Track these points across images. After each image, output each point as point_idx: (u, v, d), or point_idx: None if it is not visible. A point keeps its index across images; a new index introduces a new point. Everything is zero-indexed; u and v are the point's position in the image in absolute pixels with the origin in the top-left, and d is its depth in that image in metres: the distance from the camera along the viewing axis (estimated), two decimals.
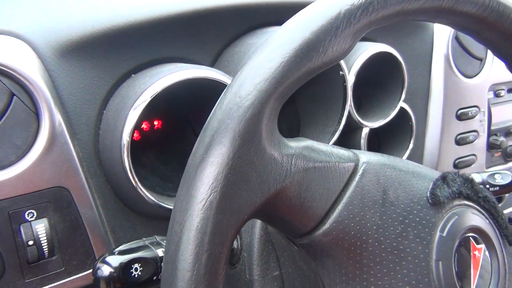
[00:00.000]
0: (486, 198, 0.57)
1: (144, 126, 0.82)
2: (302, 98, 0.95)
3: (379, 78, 0.98)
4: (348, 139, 0.95)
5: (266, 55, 0.41)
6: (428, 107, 1.04)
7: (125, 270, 0.50)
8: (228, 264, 0.73)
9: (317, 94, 0.92)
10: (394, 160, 0.53)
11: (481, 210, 0.57)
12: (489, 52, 1.11)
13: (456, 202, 0.54)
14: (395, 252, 0.49)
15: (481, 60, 1.09)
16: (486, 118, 1.11)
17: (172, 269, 0.36)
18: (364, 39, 0.95)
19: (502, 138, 1.17)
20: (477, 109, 1.08)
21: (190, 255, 0.36)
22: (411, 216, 0.51)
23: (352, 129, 0.94)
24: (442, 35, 1.02)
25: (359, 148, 0.95)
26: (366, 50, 0.88)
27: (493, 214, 0.58)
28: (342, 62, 0.84)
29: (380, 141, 1.08)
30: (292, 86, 0.43)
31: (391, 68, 0.95)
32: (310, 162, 0.45)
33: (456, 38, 1.04)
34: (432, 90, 1.04)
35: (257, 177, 0.40)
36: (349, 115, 0.89)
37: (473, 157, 1.12)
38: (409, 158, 1.02)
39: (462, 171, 0.87)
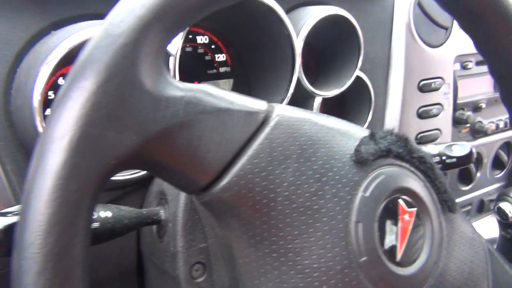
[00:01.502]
0: (422, 159, 0.52)
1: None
2: (252, 63, 0.90)
3: (336, 45, 0.93)
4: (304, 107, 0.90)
5: None
6: (388, 78, 0.99)
7: (9, 233, 0.45)
8: (156, 237, 0.68)
9: (266, 59, 0.87)
10: (318, 116, 0.48)
11: (416, 172, 0.52)
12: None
13: (385, 161, 0.49)
14: (309, 212, 0.44)
15: (447, 29, 1.03)
16: (451, 91, 1.06)
17: (23, 219, 0.31)
18: (318, 2, 0.89)
19: (469, 113, 1.12)
20: (441, 81, 1.03)
21: (39, 203, 0.31)
22: (330, 174, 0.46)
23: (304, 98, 0.88)
24: (403, 1, 0.97)
25: None
26: (315, 13, 0.82)
27: (430, 177, 0.53)
28: (288, 23, 0.79)
29: (340, 113, 1.03)
30: (182, 16, 0.37)
31: (347, 35, 0.89)
32: (205, 106, 0.40)
33: (419, 5, 0.99)
34: (392, 60, 0.99)
35: (130, 116, 0.35)
36: (299, 83, 0.84)
37: (437, 131, 1.07)
38: None
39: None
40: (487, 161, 1.34)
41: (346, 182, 0.46)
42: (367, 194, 0.47)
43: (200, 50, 0.99)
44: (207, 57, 0.98)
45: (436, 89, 1.02)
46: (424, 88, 1.01)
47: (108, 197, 0.71)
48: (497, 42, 0.56)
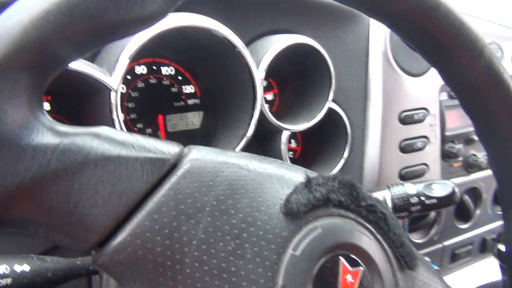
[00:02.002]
0: (372, 208, 0.45)
1: None
2: (218, 95, 0.84)
3: (307, 76, 0.87)
4: (267, 145, 0.84)
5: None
6: (366, 110, 0.92)
7: None
8: None
9: (230, 91, 0.81)
10: (246, 159, 0.41)
11: (364, 223, 0.45)
12: None
13: (324, 212, 0.42)
14: (224, 275, 0.37)
15: None
16: (437, 122, 0.99)
17: None
18: (285, 31, 0.84)
19: (459, 146, 1.05)
20: (426, 112, 0.96)
21: None
22: (252, 229, 0.39)
23: (271, 132, 0.82)
24: (379, 28, 0.91)
25: (279, 157, 0.83)
26: (279, 42, 0.77)
27: (382, 228, 0.46)
28: (247, 54, 0.73)
29: (317, 148, 0.96)
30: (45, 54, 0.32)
31: (317, 65, 0.84)
32: (88, 154, 0.34)
33: None
34: (370, 91, 0.92)
35: None
36: (263, 116, 0.78)
37: (424, 166, 0.99)
38: (345, 168, 0.90)
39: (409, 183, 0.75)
40: (487, 196, 1.25)
41: (272, 239, 0.39)
42: (298, 252, 0.40)
43: (166, 82, 0.94)
44: (174, 89, 0.94)
45: (420, 121, 0.95)
46: (406, 120, 0.94)
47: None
48: (463, 74, 0.50)
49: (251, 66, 0.73)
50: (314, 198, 0.41)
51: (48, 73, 0.33)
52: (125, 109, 0.86)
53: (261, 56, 0.76)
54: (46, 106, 0.80)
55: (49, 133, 0.33)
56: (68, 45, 0.33)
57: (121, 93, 0.90)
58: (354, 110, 0.91)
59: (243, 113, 0.78)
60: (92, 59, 0.70)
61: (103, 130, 0.36)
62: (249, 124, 0.75)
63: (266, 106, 0.77)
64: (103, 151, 0.35)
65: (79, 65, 0.63)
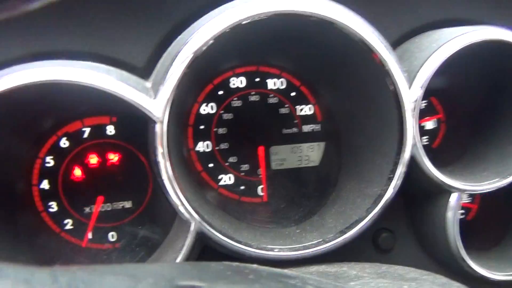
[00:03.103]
0: None
1: None
2: (346, 121, 0.55)
3: (497, 98, 0.52)
4: (423, 208, 0.51)
5: None
6: None
7: None
8: None
9: (362, 116, 0.51)
10: None
11: None
12: None
13: None
14: None
15: None
16: None
17: None
18: (459, 21, 0.50)
19: None
20: None
21: None
22: None
23: (431, 191, 0.49)
24: None
25: (442, 230, 0.49)
26: (450, 40, 0.43)
27: None
28: (394, 67, 0.42)
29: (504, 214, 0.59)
30: None
31: None
32: None
33: None
34: None
35: None
36: (417, 165, 0.45)
37: None
38: None
39: None
40: None
41: None
42: None
43: (273, 100, 0.67)
44: (284, 110, 0.66)
45: None
46: None
47: None
48: None
49: (397, 81, 0.41)
50: None
51: None
52: (213, 137, 0.62)
53: (417, 64, 0.43)
54: (111, 129, 0.61)
55: None
56: None
57: (209, 114, 0.66)
58: None
59: (382, 158, 0.47)
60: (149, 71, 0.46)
61: None
62: (390, 179, 0.43)
63: (421, 150, 0.44)
64: None
65: (108, 81, 0.40)
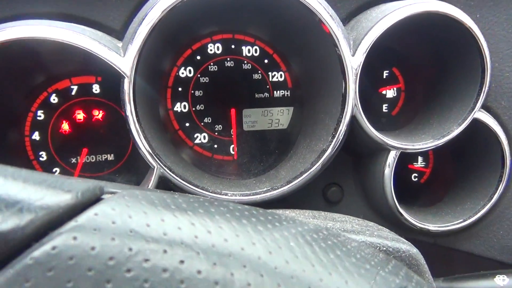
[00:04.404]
0: None
1: None
2: (308, 88, 0.60)
3: (444, 68, 0.56)
4: (366, 165, 0.56)
5: None
6: None
7: None
8: None
9: (319, 82, 0.56)
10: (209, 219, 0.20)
11: None
12: None
13: None
14: None
15: None
16: None
17: None
18: None
19: None
20: None
21: None
22: None
23: (371, 149, 0.55)
24: None
25: (380, 187, 0.55)
26: (395, 11, 0.48)
27: None
28: (340, 34, 0.47)
29: (455, 174, 0.65)
30: None
31: (463, 50, 0.52)
32: None
33: None
34: None
35: None
36: (358, 125, 0.51)
37: None
38: (500, 208, 0.58)
39: None
40: None
41: None
42: None
43: (247, 66, 0.72)
44: (257, 76, 0.72)
45: None
46: None
47: None
48: None
49: (342, 48, 0.46)
50: None
51: None
52: (190, 98, 0.67)
53: (363, 33, 0.48)
54: (96, 87, 0.66)
55: None
56: None
57: (187, 77, 0.72)
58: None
59: (329, 118, 0.52)
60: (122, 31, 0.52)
61: None
62: (333, 136, 0.49)
63: (360, 111, 0.49)
64: None
65: (85, 40, 0.45)
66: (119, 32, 0.54)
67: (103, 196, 0.25)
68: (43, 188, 0.24)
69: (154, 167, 0.50)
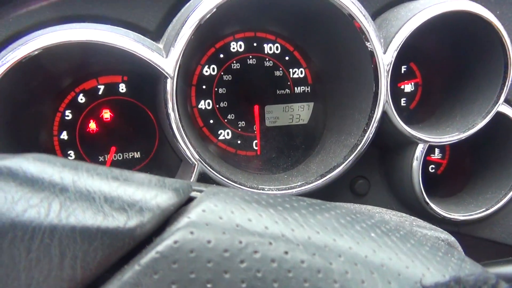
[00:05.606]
0: None
1: None
2: (332, 83, 0.62)
3: (467, 63, 0.59)
4: (394, 159, 0.58)
5: None
6: None
7: None
8: None
9: (346, 78, 0.58)
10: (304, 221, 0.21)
11: None
12: None
13: None
14: None
15: None
16: None
17: None
18: None
19: None
20: None
21: None
22: None
23: (399, 143, 0.57)
24: None
25: (409, 177, 0.57)
26: (422, 10, 0.50)
27: None
28: (372, 31, 0.49)
29: (472, 167, 0.68)
30: None
31: (486, 46, 0.55)
32: None
33: None
34: None
35: None
36: (389, 120, 0.53)
37: None
38: None
39: None
40: None
41: None
42: None
43: (268, 63, 0.74)
44: (278, 73, 0.73)
45: None
46: None
47: None
48: None
49: (374, 46, 0.48)
50: None
51: None
52: (214, 96, 0.69)
53: (393, 32, 0.50)
54: (122, 87, 0.68)
55: None
56: None
57: (211, 75, 0.73)
58: None
59: (359, 114, 0.54)
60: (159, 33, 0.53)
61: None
62: (365, 131, 0.51)
63: (391, 106, 0.51)
64: None
65: (129, 43, 0.46)
66: (153, 33, 0.55)
67: (192, 194, 0.27)
68: (153, 188, 0.25)
69: (195, 164, 0.51)
